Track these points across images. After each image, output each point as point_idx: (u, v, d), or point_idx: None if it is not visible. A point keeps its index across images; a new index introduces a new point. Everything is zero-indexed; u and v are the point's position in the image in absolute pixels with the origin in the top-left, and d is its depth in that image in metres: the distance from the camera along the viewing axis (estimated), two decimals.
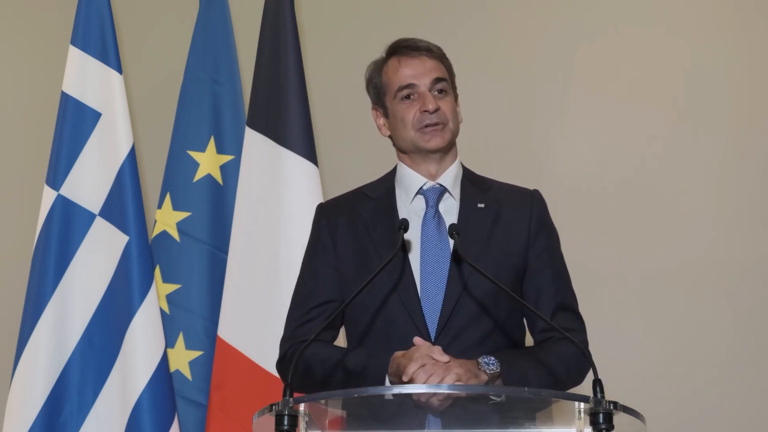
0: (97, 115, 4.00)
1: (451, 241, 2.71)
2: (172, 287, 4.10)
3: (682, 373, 4.02)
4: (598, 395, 2.24)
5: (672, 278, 4.09)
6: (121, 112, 3.99)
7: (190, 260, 4.12)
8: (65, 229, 3.96)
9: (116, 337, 3.89)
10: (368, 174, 3.94)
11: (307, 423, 2.31)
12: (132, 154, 3.97)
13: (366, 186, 2.96)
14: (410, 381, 2.50)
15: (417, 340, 2.60)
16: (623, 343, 4.00)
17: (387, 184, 2.90)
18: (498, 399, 2.28)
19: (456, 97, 2.92)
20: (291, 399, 2.26)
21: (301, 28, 4.16)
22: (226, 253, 4.02)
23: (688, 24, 4.22)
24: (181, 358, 4.06)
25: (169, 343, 4.01)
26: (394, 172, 2.92)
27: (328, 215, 2.90)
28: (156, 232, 4.16)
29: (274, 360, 3.75)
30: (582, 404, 2.26)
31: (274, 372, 3.77)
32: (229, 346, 3.91)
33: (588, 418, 2.25)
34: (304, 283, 2.89)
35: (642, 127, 4.21)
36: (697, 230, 4.11)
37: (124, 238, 3.92)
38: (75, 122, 3.99)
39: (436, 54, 2.89)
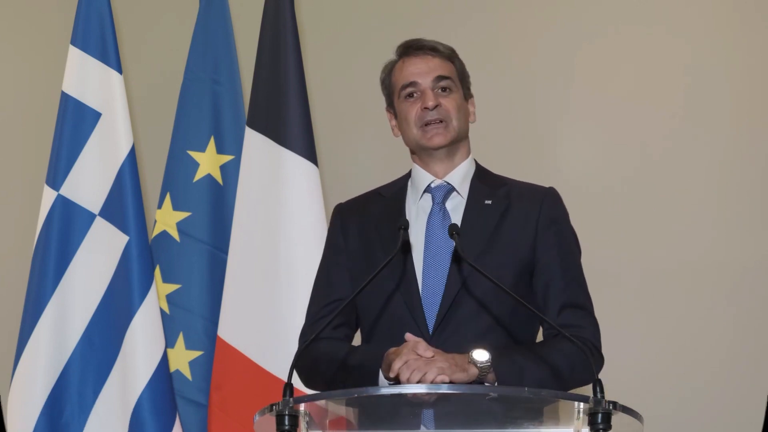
0: (97, 115, 4.01)
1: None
2: (172, 287, 4.11)
3: (682, 373, 4.02)
4: (598, 395, 2.24)
5: (672, 278, 4.09)
6: (121, 112, 3.99)
7: (190, 260, 4.12)
8: (65, 229, 3.96)
9: (116, 337, 3.89)
10: (368, 174, 3.97)
11: (308, 423, 2.31)
12: (132, 154, 3.97)
13: (383, 186, 2.99)
14: (396, 377, 2.52)
15: (408, 336, 2.62)
16: (623, 343, 4.00)
17: (401, 184, 2.94)
18: (492, 394, 2.30)
19: (469, 96, 2.93)
20: (291, 399, 2.26)
21: (301, 28, 4.16)
22: (226, 253, 4.02)
23: (688, 24, 4.22)
24: (181, 358, 4.07)
25: (169, 343, 4.01)
26: (410, 172, 2.95)
27: (342, 215, 2.95)
28: (156, 232, 4.16)
29: (274, 359, 3.79)
30: (581, 404, 2.26)
31: (274, 372, 3.80)
32: (229, 346, 3.91)
33: (586, 418, 2.26)
34: (318, 281, 2.94)
35: (642, 127, 4.21)
36: (697, 230, 4.11)
37: (124, 238, 3.92)
38: (75, 122, 4.00)
39: (443, 53, 2.90)
